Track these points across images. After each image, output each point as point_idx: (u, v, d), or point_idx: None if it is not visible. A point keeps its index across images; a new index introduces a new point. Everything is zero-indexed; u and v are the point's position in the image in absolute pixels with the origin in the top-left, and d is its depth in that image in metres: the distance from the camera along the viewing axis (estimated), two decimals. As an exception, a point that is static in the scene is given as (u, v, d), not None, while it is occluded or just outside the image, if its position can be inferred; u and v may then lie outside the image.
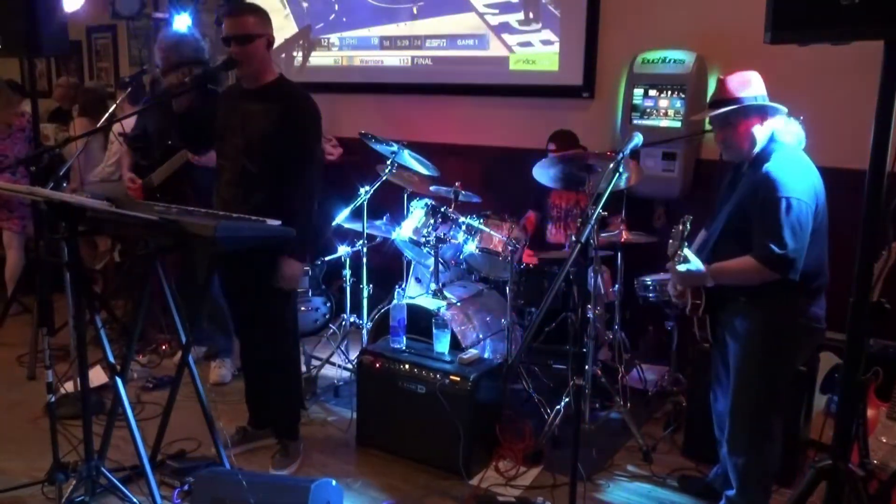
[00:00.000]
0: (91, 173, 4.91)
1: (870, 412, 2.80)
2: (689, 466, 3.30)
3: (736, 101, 2.58)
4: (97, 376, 3.66)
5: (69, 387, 3.52)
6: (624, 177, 3.47)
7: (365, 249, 4.06)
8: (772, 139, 2.63)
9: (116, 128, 3.98)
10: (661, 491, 3.15)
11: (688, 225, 2.66)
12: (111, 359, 2.73)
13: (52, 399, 2.79)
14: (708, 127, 3.62)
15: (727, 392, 2.84)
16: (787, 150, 2.61)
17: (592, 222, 2.38)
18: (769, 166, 2.54)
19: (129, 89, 4.21)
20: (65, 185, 2.80)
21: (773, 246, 2.46)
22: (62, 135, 5.37)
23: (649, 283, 3.64)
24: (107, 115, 3.48)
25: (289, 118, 3.00)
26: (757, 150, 2.62)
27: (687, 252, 2.59)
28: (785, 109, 2.63)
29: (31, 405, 3.74)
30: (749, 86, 2.60)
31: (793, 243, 2.46)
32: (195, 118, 3.66)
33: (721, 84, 2.64)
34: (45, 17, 3.37)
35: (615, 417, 3.69)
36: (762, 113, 2.60)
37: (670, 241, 2.67)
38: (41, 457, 2.94)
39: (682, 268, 2.60)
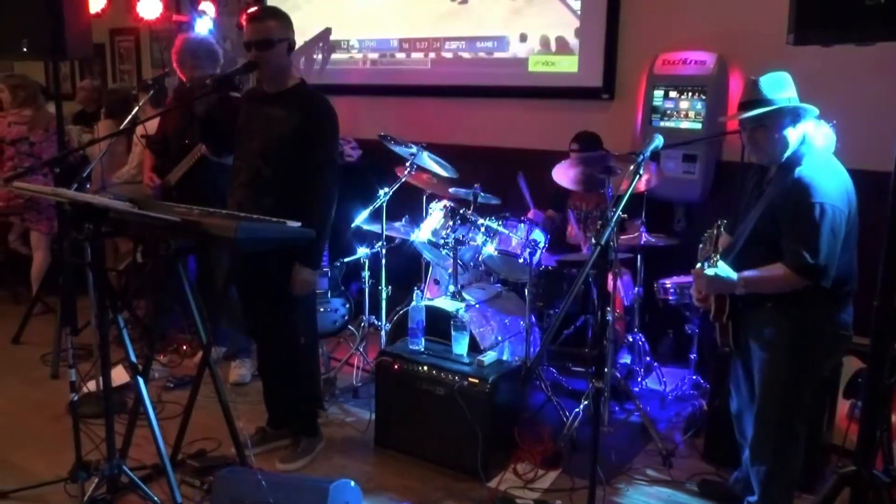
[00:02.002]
0: (115, 175, 4.96)
1: (894, 417, 2.76)
2: (710, 471, 3.27)
3: (769, 102, 2.52)
4: (119, 376, 3.68)
5: (91, 386, 3.55)
6: (644, 179, 3.45)
7: (384, 251, 4.07)
8: (802, 142, 2.56)
9: (139, 130, 4.02)
10: (681, 495, 3.13)
11: (721, 230, 2.62)
12: (133, 358, 2.75)
13: (75, 398, 2.82)
14: (729, 129, 3.60)
15: (744, 396, 2.82)
16: (818, 153, 2.56)
17: (612, 224, 2.36)
18: (801, 170, 2.47)
19: (152, 92, 4.25)
20: (87, 186, 2.83)
21: (805, 254, 2.39)
22: (85, 136, 5.43)
23: (669, 286, 3.62)
24: (129, 117, 3.51)
25: (308, 125, 3.01)
26: (788, 153, 2.55)
27: (720, 260, 2.53)
28: (816, 111, 2.56)
29: (54, 404, 3.78)
30: (782, 87, 2.55)
31: (826, 251, 2.39)
32: (215, 121, 3.70)
33: (753, 85, 2.56)
34: (70, 21, 3.42)
35: (634, 421, 3.67)
36: (795, 115, 2.53)
37: (700, 245, 2.63)
38: (64, 455, 2.98)
39: (709, 272, 2.51)
